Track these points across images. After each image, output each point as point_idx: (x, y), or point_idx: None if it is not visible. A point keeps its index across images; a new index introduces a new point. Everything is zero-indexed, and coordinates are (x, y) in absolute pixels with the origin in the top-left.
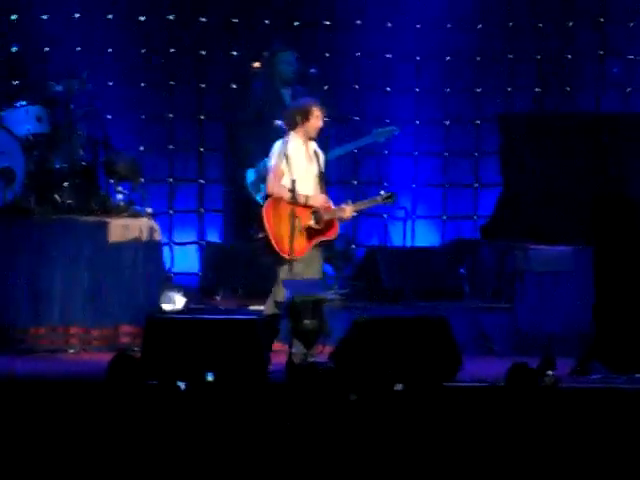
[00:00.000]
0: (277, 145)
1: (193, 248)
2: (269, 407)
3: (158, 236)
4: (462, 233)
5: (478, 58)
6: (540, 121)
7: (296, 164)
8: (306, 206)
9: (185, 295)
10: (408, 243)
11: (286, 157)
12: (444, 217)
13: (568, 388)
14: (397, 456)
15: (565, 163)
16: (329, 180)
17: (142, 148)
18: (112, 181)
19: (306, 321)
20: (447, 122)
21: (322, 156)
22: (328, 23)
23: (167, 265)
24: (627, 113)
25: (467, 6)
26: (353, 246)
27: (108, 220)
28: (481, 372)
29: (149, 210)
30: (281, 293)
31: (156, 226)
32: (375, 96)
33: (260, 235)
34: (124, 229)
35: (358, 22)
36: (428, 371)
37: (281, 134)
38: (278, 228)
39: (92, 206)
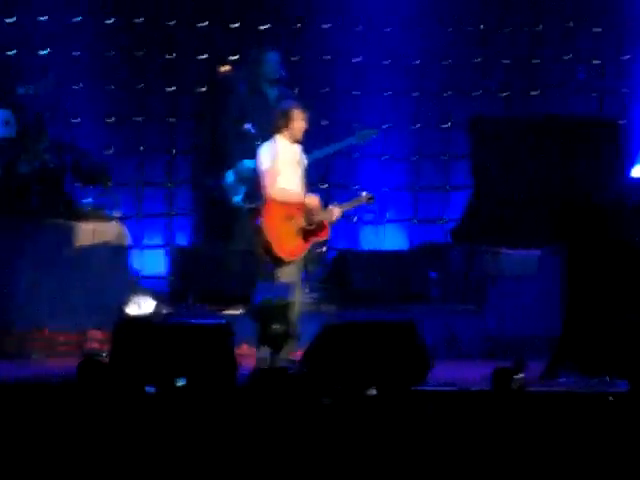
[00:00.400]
0: (265, 148)
1: (162, 252)
2: (238, 411)
3: (126, 240)
4: (432, 236)
5: (448, 62)
6: (509, 125)
7: (285, 166)
8: (299, 208)
9: (154, 299)
10: (378, 246)
11: (278, 161)
12: (414, 220)
13: (537, 391)
14: (369, 460)
15: (534, 166)
16: None
17: (111, 151)
18: (80, 185)
19: (275, 325)
20: (417, 125)
21: (305, 160)
22: (298, 26)
23: (135, 269)
24: (595, 116)
25: (437, 10)
26: (324, 249)
27: (76, 224)
28: (450, 376)
29: (117, 214)
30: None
31: (124, 230)
32: (345, 99)
33: (259, 238)
34: (92, 233)
35: (327, 25)
36: (397, 375)
37: (251, 138)
38: (277, 231)
39: (59, 210)
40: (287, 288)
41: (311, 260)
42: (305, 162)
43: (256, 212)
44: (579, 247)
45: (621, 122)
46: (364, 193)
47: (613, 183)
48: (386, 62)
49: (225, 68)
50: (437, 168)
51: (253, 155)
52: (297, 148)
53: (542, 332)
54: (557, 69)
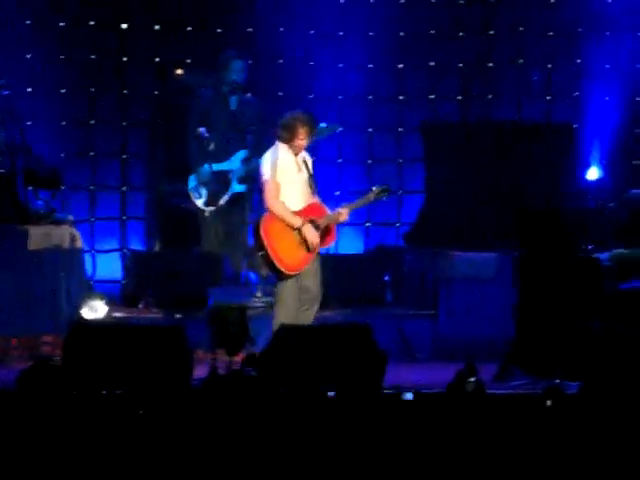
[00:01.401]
0: (267, 157)
1: (115, 256)
2: (192, 413)
3: (79, 244)
4: (385, 240)
5: (400, 66)
6: (462, 129)
7: (286, 174)
8: (302, 218)
9: (107, 303)
10: (332, 250)
11: (280, 170)
12: (367, 224)
13: (490, 394)
14: (326, 463)
15: (488, 170)
16: (255, 186)
17: (63, 155)
18: (31, 188)
19: (230, 328)
20: (371, 129)
21: (310, 160)
22: (250, 30)
23: (89, 273)
24: (548, 122)
25: (389, 14)
26: None
27: (28, 228)
28: (404, 379)
29: (70, 217)
30: (283, 312)
31: (77, 234)
32: (298, 103)
33: (260, 252)
34: (45, 237)
35: (281, 29)
36: (352, 378)
37: (205, 141)
38: (278, 244)
39: (12, 214)
40: (241, 291)
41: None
42: (310, 163)
43: (257, 224)
44: (533, 251)
45: (575, 125)
46: (374, 188)
47: (568, 186)
48: (340, 65)
49: (180, 72)
50: (391, 172)
51: (209, 159)
52: (301, 153)
53: (496, 335)
54: (511, 73)
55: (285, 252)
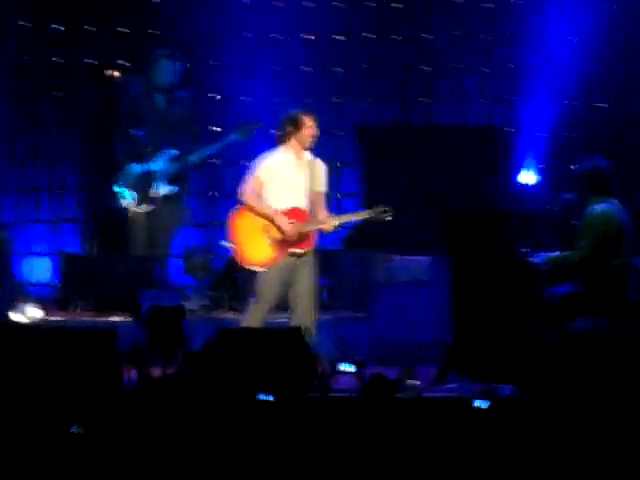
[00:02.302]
0: (261, 157)
1: (49, 259)
2: (123, 418)
3: (10, 246)
4: (323, 243)
5: (338, 69)
6: (398, 132)
7: (275, 174)
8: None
9: (39, 307)
10: None
11: (267, 169)
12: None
13: (427, 397)
14: (262, 467)
15: (423, 173)
16: (190, 190)
17: None
18: None
19: (165, 331)
20: None
21: (322, 167)
22: (187, 32)
23: (21, 276)
24: (483, 125)
25: (325, 17)
26: (212, 256)
27: None
28: (341, 382)
29: (1, 220)
30: (254, 307)
31: (8, 236)
32: (235, 106)
33: (229, 243)
34: None
35: (218, 32)
36: (285, 382)
37: (140, 143)
38: (244, 237)
39: None
40: (176, 294)
41: (200, 267)
42: (321, 170)
43: (229, 215)
44: (467, 254)
45: (509, 129)
46: (377, 207)
47: (504, 189)
48: (277, 68)
49: (114, 73)
50: (329, 175)
51: (141, 160)
52: (306, 156)
53: (431, 338)
54: (448, 77)
55: (249, 250)
